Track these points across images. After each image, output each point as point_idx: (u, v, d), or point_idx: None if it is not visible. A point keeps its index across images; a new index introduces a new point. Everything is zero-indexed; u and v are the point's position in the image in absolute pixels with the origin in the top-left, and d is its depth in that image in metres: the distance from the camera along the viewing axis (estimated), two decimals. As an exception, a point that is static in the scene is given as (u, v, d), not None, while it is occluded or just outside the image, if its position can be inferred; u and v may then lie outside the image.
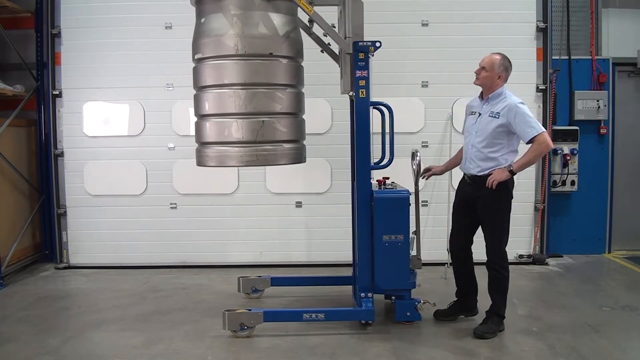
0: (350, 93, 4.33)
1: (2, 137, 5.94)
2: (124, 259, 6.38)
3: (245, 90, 4.01)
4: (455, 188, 6.17)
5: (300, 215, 6.38)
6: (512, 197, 4.13)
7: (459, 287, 4.49)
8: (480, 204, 4.11)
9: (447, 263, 5.89)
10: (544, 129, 3.92)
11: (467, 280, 4.43)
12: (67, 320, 4.71)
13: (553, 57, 6.40)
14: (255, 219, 6.35)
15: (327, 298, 5.12)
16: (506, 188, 4.04)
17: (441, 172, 4.64)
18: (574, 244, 6.70)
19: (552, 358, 3.83)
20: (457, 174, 6.16)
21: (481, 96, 4.22)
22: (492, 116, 4.03)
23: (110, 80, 6.31)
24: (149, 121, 6.34)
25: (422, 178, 4.54)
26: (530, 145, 3.95)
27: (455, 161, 4.55)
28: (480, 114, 4.14)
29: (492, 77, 4.06)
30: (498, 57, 4.10)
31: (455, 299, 4.53)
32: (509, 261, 6.21)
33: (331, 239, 6.23)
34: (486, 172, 4.05)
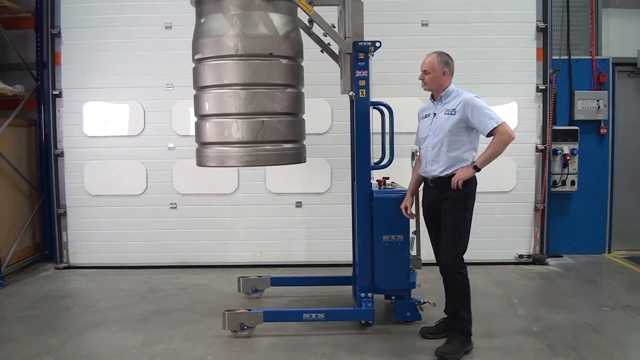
0: (350, 93, 4.33)
1: (2, 137, 5.94)
2: (124, 259, 6.39)
3: (245, 90, 4.01)
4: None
5: (300, 215, 6.38)
6: (474, 199, 3.92)
7: (447, 303, 4.15)
8: (445, 206, 3.88)
9: (447, 263, 5.89)
10: (503, 120, 3.75)
11: None
12: (67, 320, 4.71)
13: (553, 57, 6.40)
14: (255, 219, 6.35)
15: (327, 298, 5.12)
16: (469, 188, 3.84)
17: (413, 200, 4.23)
18: (574, 244, 6.70)
19: (552, 358, 3.83)
20: (457, 174, 6.19)
21: (433, 98, 4.05)
22: (448, 114, 3.85)
23: (110, 80, 6.31)
24: (149, 121, 6.35)
25: (410, 217, 4.24)
26: (491, 138, 3.75)
27: (417, 180, 4.22)
28: (435, 114, 3.96)
29: (437, 76, 3.90)
30: (434, 55, 3.96)
31: (445, 315, 4.18)
32: (510, 261, 6.32)
33: (331, 239, 6.23)
34: (449, 172, 3.83)
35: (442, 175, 3.88)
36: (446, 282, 4.04)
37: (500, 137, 3.71)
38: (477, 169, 3.79)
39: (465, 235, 3.92)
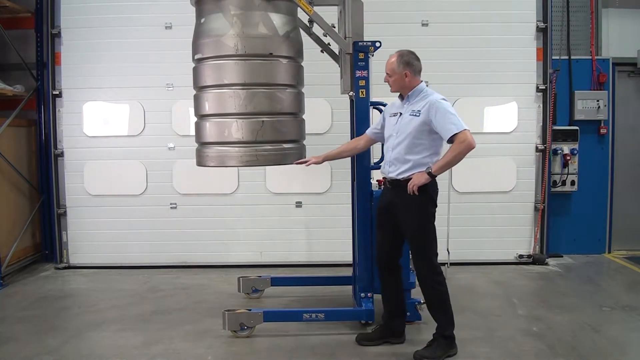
0: (350, 93, 4.34)
1: (2, 137, 5.94)
2: (124, 259, 6.39)
3: (245, 90, 4.01)
4: (456, 189, 6.24)
5: (300, 215, 6.38)
6: (435, 205, 3.81)
7: (385, 308, 4.11)
8: (401, 211, 3.79)
9: (447, 263, 5.89)
10: (466, 127, 3.57)
11: (394, 299, 4.06)
12: (67, 320, 4.71)
13: (553, 57, 6.40)
14: (255, 219, 6.35)
15: (327, 298, 5.12)
16: (426, 193, 3.71)
17: (320, 162, 4.29)
18: (574, 244, 6.70)
19: (552, 358, 3.83)
20: (456, 175, 6.20)
21: (401, 97, 3.94)
22: (412, 115, 3.72)
23: (110, 80, 6.31)
24: (149, 121, 6.35)
25: (305, 165, 4.28)
26: (450, 145, 3.63)
27: (341, 153, 4.26)
28: (401, 114, 3.85)
29: (399, 77, 3.78)
30: (394, 57, 3.83)
31: (382, 322, 4.14)
32: (510, 261, 6.31)
33: (331, 239, 6.23)
34: (406, 175, 3.73)
35: (399, 178, 3.78)
36: (392, 290, 4.00)
37: (458, 145, 3.54)
38: (432, 176, 3.65)
39: (430, 244, 3.80)
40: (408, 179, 3.71)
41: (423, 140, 3.71)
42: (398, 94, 3.96)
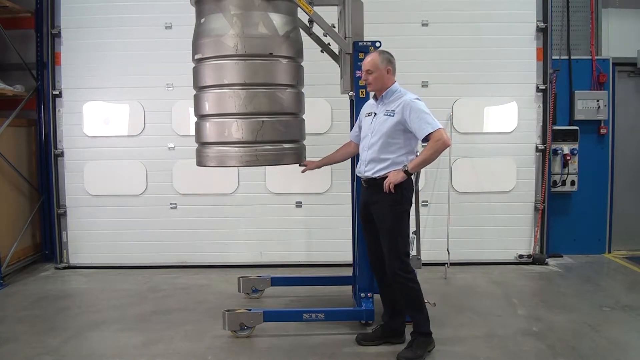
0: (350, 93, 4.34)
1: (2, 137, 5.94)
2: (124, 259, 6.39)
3: (245, 90, 4.01)
4: (456, 189, 6.25)
5: (300, 215, 6.38)
6: (410, 203, 3.84)
7: (385, 308, 4.13)
8: (375, 209, 3.83)
9: (447, 263, 5.90)
10: (440, 126, 3.62)
11: (389, 298, 4.05)
12: (67, 320, 4.71)
13: (553, 57, 6.40)
14: (255, 219, 6.35)
15: (327, 298, 5.12)
16: (401, 192, 3.74)
17: (316, 167, 4.39)
18: (574, 244, 6.70)
19: (552, 358, 3.83)
20: (456, 175, 6.20)
21: (375, 97, 3.97)
22: (387, 115, 3.76)
23: (110, 80, 6.31)
24: (149, 121, 6.35)
25: (302, 172, 4.40)
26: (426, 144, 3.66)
27: (335, 157, 4.36)
28: (375, 114, 3.87)
29: (381, 75, 3.80)
30: (375, 53, 3.86)
31: (382, 322, 4.15)
32: (510, 261, 6.31)
33: (331, 239, 6.23)
34: (382, 174, 3.75)
35: (374, 176, 3.80)
36: (391, 289, 3.96)
37: (434, 143, 3.59)
38: (408, 174, 3.69)
39: (402, 242, 3.81)
40: (384, 177, 3.74)
41: (398, 139, 3.75)
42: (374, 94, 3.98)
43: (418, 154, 3.83)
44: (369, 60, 3.85)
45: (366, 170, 3.86)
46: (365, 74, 3.88)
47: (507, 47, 6.24)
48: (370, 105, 4.04)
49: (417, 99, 3.75)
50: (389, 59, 3.85)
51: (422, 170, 4.43)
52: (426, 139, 3.64)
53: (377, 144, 3.79)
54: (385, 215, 3.79)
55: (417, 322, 3.85)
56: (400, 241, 3.80)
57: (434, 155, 3.63)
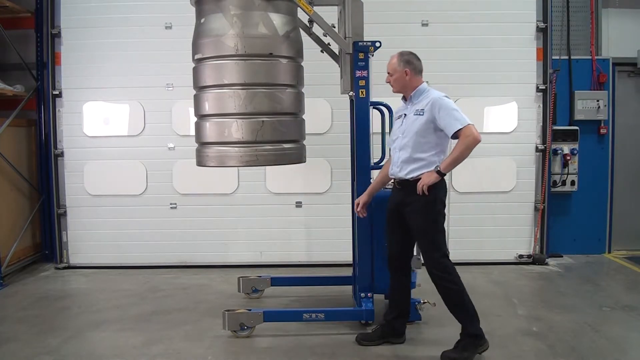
0: (350, 93, 4.33)
1: (2, 137, 5.94)
2: (124, 259, 6.39)
3: (245, 90, 4.01)
4: (456, 189, 6.24)
5: (300, 215, 6.38)
6: (444, 205, 3.76)
7: (390, 307, 4.12)
8: (409, 211, 3.77)
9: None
10: (469, 122, 3.57)
11: (400, 299, 4.05)
12: (67, 320, 4.71)
13: (553, 57, 6.40)
14: (255, 219, 6.35)
15: (327, 298, 5.12)
16: (435, 193, 3.68)
17: (368, 199, 4.14)
18: (574, 244, 6.70)
19: (552, 358, 3.83)
20: (456, 175, 6.20)
21: (404, 98, 3.95)
22: (416, 114, 3.72)
23: (110, 80, 6.31)
24: (149, 121, 6.35)
25: (359, 211, 4.18)
26: (457, 141, 3.61)
27: (380, 180, 4.13)
28: (405, 115, 3.85)
29: (400, 76, 3.80)
30: (396, 55, 3.86)
31: (383, 322, 4.11)
32: (510, 261, 6.31)
33: (331, 239, 6.23)
34: (415, 175, 3.71)
35: (407, 178, 3.76)
36: (403, 292, 4.00)
37: (464, 140, 3.55)
38: (441, 174, 3.64)
39: (438, 243, 3.73)
40: (417, 179, 3.69)
41: (429, 138, 3.71)
42: (400, 95, 3.96)
43: None
44: (389, 62, 3.88)
45: (399, 172, 3.82)
46: (388, 76, 3.90)
47: (507, 47, 6.25)
48: (400, 107, 4.01)
49: (445, 96, 3.72)
50: (407, 60, 3.82)
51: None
52: (456, 136, 3.61)
53: (408, 144, 3.75)
54: (420, 217, 3.72)
55: (462, 323, 3.76)
56: (436, 242, 3.72)
57: (465, 152, 3.57)
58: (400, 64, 3.82)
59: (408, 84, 3.83)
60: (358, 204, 4.15)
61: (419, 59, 3.88)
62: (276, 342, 4.14)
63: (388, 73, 3.90)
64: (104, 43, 6.29)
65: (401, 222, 3.88)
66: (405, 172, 3.78)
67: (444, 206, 3.80)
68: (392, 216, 3.96)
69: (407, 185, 3.77)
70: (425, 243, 3.77)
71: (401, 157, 3.81)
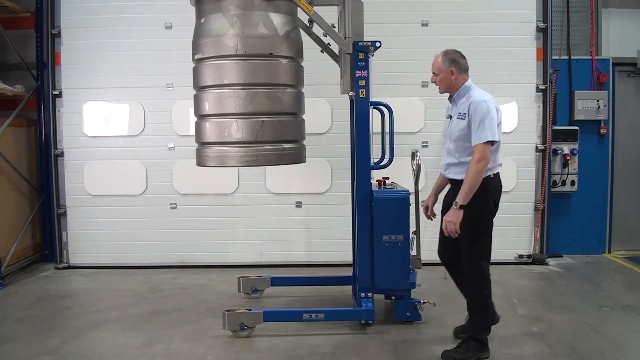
0: (350, 93, 4.33)
1: (2, 137, 5.94)
2: (124, 259, 6.39)
3: (245, 90, 4.01)
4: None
5: (300, 215, 6.38)
6: (494, 208, 3.74)
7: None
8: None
9: (447, 263, 5.89)
10: (489, 138, 3.50)
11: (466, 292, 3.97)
12: (67, 320, 4.71)
13: (553, 57, 6.40)
14: (255, 219, 6.35)
15: (327, 298, 5.12)
16: (485, 196, 3.64)
17: (434, 200, 4.17)
18: (574, 244, 6.70)
19: (552, 358, 3.83)
20: (457, 174, 6.19)
21: (450, 98, 3.91)
22: (459, 117, 3.69)
23: (110, 80, 6.31)
24: (149, 121, 6.34)
25: (429, 219, 4.19)
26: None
27: (442, 180, 4.12)
28: (451, 117, 3.83)
29: (446, 76, 3.73)
30: (440, 54, 3.81)
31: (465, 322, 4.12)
32: (510, 261, 6.30)
33: (331, 239, 6.23)
34: (462, 177, 3.65)
35: (457, 178, 3.74)
36: (460, 284, 4.01)
37: (475, 166, 3.51)
38: (463, 207, 3.56)
39: (482, 248, 3.69)
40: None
41: (470, 142, 3.64)
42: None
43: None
44: (434, 62, 3.80)
45: (448, 173, 3.86)
46: (433, 76, 3.84)
47: (507, 47, 6.24)
48: (448, 107, 3.96)
49: (484, 100, 3.60)
50: (453, 58, 3.75)
51: (422, 170, 4.44)
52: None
53: (453, 149, 3.75)
54: (467, 218, 3.63)
55: (475, 326, 3.77)
56: (479, 245, 3.69)
57: (476, 180, 3.52)
58: (446, 63, 3.74)
59: (454, 83, 3.76)
60: (427, 207, 4.09)
61: (464, 57, 3.81)
62: (276, 342, 4.14)
63: (433, 73, 3.83)
64: (104, 43, 6.29)
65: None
66: (452, 175, 3.80)
67: (491, 209, 3.74)
68: (445, 212, 3.89)
69: (456, 184, 3.74)
70: (470, 247, 3.71)
71: (447, 160, 3.82)
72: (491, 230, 3.75)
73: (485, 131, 3.52)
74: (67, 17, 6.31)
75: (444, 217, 3.65)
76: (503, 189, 3.91)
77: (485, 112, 3.56)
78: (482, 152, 3.52)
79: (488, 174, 3.66)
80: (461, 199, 3.55)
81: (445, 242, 3.93)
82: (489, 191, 3.68)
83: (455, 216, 3.57)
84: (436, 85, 3.87)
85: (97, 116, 6.36)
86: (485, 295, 3.74)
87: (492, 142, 3.56)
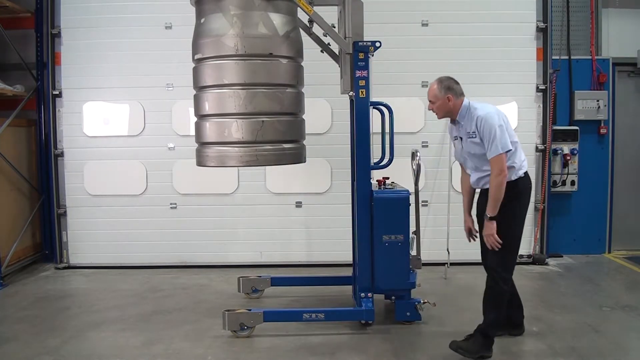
0: (350, 93, 4.33)
1: (2, 137, 5.94)
2: (124, 259, 6.39)
3: (245, 90, 4.01)
4: (456, 189, 6.24)
5: (300, 215, 6.38)
6: (524, 208, 3.83)
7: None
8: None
9: (447, 263, 5.90)
10: (501, 151, 3.58)
11: (510, 292, 3.97)
12: (67, 320, 4.71)
13: (553, 57, 6.40)
14: (255, 219, 6.35)
15: (327, 298, 5.12)
16: (517, 195, 3.74)
17: (473, 219, 4.12)
18: (574, 244, 6.70)
19: (552, 358, 3.83)
20: (456, 175, 6.18)
21: (452, 121, 3.97)
22: (470, 138, 3.77)
23: (110, 80, 6.31)
24: (149, 121, 6.35)
25: (470, 241, 4.19)
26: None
27: (469, 195, 4.11)
28: (461, 138, 3.89)
29: (443, 103, 3.82)
30: (435, 83, 3.89)
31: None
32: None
33: (331, 239, 6.23)
34: None
35: (486, 188, 3.80)
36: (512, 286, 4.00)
37: (495, 180, 3.60)
38: (494, 219, 3.66)
39: (510, 240, 3.73)
40: None
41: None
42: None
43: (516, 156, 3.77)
44: (430, 91, 3.89)
45: (479, 186, 3.90)
46: (430, 104, 3.93)
47: (507, 47, 6.24)
48: (451, 128, 4.03)
49: (489, 113, 3.68)
50: (448, 86, 3.83)
51: (422, 170, 4.44)
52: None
53: (477, 166, 3.82)
54: (501, 215, 3.69)
55: (486, 320, 3.82)
56: (507, 240, 3.71)
57: (499, 192, 3.62)
58: (442, 91, 3.83)
59: (452, 108, 3.84)
60: (470, 229, 4.10)
61: (457, 83, 3.89)
62: (276, 342, 4.14)
63: (430, 101, 3.91)
64: (104, 43, 6.29)
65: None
66: (481, 185, 3.85)
67: (526, 209, 3.85)
68: (481, 219, 3.94)
69: (487, 192, 3.79)
70: (500, 236, 3.73)
71: (476, 176, 3.87)
72: (522, 227, 3.84)
73: (497, 144, 3.61)
74: (67, 17, 6.31)
75: (484, 233, 3.73)
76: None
77: (493, 124, 3.64)
78: (498, 164, 3.62)
79: (518, 175, 3.76)
80: (490, 211, 3.67)
81: (481, 244, 3.97)
82: (521, 191, 3.80)
83: (490, 228, 3.68)
84: (434, 112, 3.93)
85: (97, 116, 6.36)
86: (503, 289, 3.77)
87: (506, 151, 3.64)
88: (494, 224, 3.66)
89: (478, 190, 3.99)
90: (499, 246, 3.68)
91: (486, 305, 3.85)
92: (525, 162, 3.84)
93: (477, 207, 4.03)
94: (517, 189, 3.75)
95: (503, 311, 3.85)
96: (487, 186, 3.78)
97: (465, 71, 6.20)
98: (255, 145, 4.06)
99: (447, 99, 3.81)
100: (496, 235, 3.67)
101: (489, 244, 3.70)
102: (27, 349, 4.07)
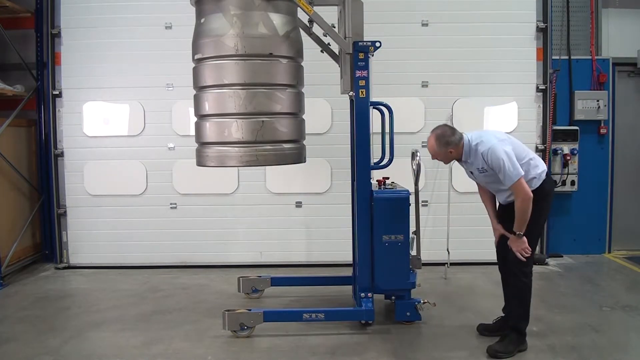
0: (350, 93, 4.33)
1: (2, 137, 5.94)
2: (124, 259, 6.39)
3: (245, 90, 4.01)
4: (456, 189, 6.23)
5: (300, 215, 6.38)
6: (550, 204, 3.90)
7: (505, 302, 4.20)
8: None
9: (447, 263, 5.90)
10: (514, 179, 3.63)
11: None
12: (67, 320, 4.71)
13: (553, 57, 6.40)
14: (255, 219, 6.35)
15: (327, 298, 5.12)
16: (543, 197, 3.79)
17: (502, 226, 4.06)
18: (574, 244, 6.70)
19: (552, 358, 3.83)
20: (456, 175, 6.20)
21: (459, 161, 4.01)
22: (481, 172, 3.84)
23: (110, 80, 6.31)
24: (149, 121, 6.34)
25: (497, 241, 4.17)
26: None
27: (492, 208, 4.17)
28: (472, 172, 3.97)
29: (446, 156, 3.89)
30: (432, 141, 3.88)
31: (502, 314, 4.23)
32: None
33: (331, 239, 6.23)
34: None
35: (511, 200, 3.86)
36: (506, 281, 4.09)
37: (520, 205, 3.66)
38: (522, 235, 3.74)
39: (530, 236, 3.80)
40: None
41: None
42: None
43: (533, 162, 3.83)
44: (429, 146, 3.93)
45: (503, 201, 4.00)
46: (433, 155, 3.97)
47: (507, 47, 6.24)
48: (461, 162, 4.02)
49: (491, 145, 3.70)
50: (446, 142, 3.84)
51: (422, 170, 4.44)
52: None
53: (500, 188, 3.87)
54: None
55: (515, 317, 3.90)
56: (530, 236, 3.78)
57: (525, 214, 3.67)
58: (441, 147, 3.86)
59: (456, 155, 3.90)
60: (500, 236, 4.08)
61: (452, 129, 3.90)
62: (276, 342, 4.14)
63: (432, 154, 3.95)
64: (104, 43, 6.29)
65: (506, 220, 3.94)
66: (511, 198, 3.85)
67: (550, 205, 3.93)
68: (501, 214, 4.05)
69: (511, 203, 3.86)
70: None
71: (503, 196, 3.94)
72: (544, 224, 3.92)
73: (510, 174, 3.65)
74: (67, 17, 6.31)
75: (515, 248, 3.79)
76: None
77: (499, 157, 3.67)
78: (520, 190, 3.66)
79: (542, 179, 3.81)
80: (519, 229, 3.73)
81: (503, 239, 4.00)
82: (548, 192, 3.86)
83: (519, 243, 3.77)
84: (439, 160, 3.99)
85: (97, 116, 6.36)
86: (525, 283, 3.88)
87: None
88: (524, 240, 3.74)
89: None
90: (529, 254, 3.79)
91: (514, 304, 3.94)
92: (543, 168, 3.87)
93: (502, 211, 4.06)
94: (544, 191, 3.82)
95: (529, 303, 3.93)
96: (512, 198, 3.80)
97: (465, 71, 6.25)
98: (255, 145, 4.06)
99: (449, 152, 3.87)
100: (527, 247, 3.76)
101: (518, 253, 3.77)
102: (27, 349, 4.07)
